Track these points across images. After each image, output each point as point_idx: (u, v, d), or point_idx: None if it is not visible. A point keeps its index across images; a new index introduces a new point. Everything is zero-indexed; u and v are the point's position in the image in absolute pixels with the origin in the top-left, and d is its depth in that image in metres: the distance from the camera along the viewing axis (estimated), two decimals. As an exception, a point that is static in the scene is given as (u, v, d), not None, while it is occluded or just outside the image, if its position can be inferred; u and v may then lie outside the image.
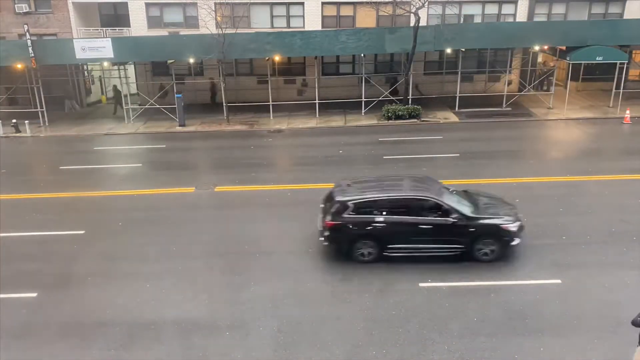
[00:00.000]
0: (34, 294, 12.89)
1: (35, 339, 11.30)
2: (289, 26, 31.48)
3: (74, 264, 14.24)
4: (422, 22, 27.19)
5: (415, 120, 27.86)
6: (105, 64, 30.17)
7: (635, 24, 27.44)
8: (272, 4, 31.34)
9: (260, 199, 18.38)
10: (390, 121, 27.84)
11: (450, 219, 13.21)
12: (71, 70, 32.08)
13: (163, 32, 30.67)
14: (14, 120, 28.02)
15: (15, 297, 12.80)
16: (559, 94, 30.35)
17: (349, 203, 13.42)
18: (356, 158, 22.58)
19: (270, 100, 29.14)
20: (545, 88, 32.00)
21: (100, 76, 35.61)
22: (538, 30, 27.64)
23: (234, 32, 26.84)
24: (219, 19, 28.43)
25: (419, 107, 28.06)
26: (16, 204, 18.58)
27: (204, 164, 23.52)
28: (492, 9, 31.52)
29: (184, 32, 30.39)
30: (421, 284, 12.72)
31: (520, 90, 31.53)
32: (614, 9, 31.49)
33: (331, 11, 31.47)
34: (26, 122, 28.03)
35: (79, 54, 26.90)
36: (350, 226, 13.36)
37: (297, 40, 27.27)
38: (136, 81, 32.33)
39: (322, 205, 14.36)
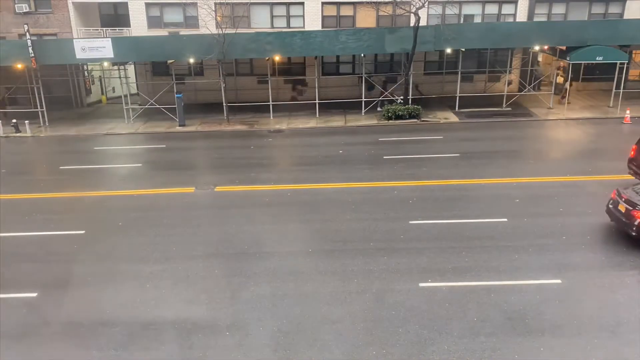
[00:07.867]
0: (34, 294, 12.89)
1: (36, 339, 11.30)
2: (289, 26, 31.46)
3: (74, 264, 14.24)
4: (422, 22, 27.19)
5: (416, 120, 27.85)
6: (105, 64, 30.15)
7: (635, 24, 27.44)
8: (272, 4, 31.32)
9: (260, 199, 18.38)
10: (390, 121, 27.84)
11: None
12: (71, 70, 32.07)
13: (163, 32, 30.65)
14: (14, 120, 27.98)
15: (15, 297, 12.80)
16: (558, 94, 30.31)
17: None
18: (356, 158, 22.58)
19: (270, 100, 29.15)
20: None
21: (100, 76, 35.60)
22: (538, 30, 27.65)
23: (234, 32, 26.83)
24: (219, 19, 28.42)
25: (419, 107, 28.05)
26: (16, 204, 18.58)
27: (204, 164, 23.51)
28: (492, 9, 31.51)
29: (184, 32, 30.36)
30: (421, 284, 12.73)
31: (520, 90, 31.51)
32: (614, 9, 31.47)
33: (331, 11, 31.46)
34: (26, 122, 28.01)
35: (79, 54, 26.89)
36: None
37: (297, 40, 27.26)
38: (136, 81, 32.31)
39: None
